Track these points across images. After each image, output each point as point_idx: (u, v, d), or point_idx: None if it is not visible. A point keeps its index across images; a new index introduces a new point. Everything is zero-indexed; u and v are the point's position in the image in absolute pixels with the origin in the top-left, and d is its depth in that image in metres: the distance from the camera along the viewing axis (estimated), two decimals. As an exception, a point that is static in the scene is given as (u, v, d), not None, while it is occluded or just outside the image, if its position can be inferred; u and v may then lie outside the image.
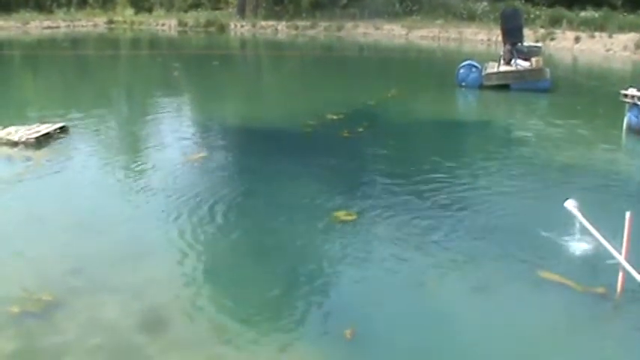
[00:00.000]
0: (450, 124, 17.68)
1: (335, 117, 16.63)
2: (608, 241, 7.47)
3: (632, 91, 16.02)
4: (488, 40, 39.96)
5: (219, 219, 9.27)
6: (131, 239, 8.63)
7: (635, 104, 15.67)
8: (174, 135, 15.17)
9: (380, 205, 9.98)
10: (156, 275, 7.56)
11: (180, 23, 52.90)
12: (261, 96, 23.23)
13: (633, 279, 7.10)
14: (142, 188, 10.71)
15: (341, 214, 9.44)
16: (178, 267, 7.81)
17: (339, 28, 50.02)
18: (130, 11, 55.58)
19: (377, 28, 49.20)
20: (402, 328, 6.59)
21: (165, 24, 53.21)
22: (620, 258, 7.21)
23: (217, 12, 56.17)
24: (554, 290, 7.35)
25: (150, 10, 56.94)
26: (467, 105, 21.78)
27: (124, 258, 8.01)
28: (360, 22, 50.88)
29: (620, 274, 7.21)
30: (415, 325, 6.66)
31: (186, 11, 56.18)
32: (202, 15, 54.32)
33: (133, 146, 14.39)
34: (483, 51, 33.91)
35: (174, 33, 50.59)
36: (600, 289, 7.30)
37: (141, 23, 53.40)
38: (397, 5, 52.49)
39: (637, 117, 15.57)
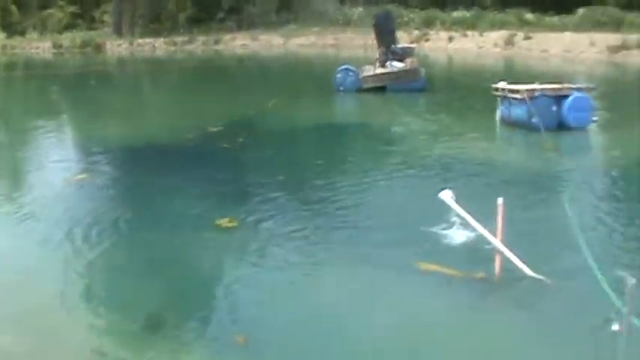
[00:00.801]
0: (329, 128, 17.88)
1: (215, 129, 16.60)
2: (485, 227, 7.71)
3: (502, 85, 16.57)
4: (365, 44, 40.53)
5: (103, 238, 9.06)
6: (13, 268, 8.33)
7: (506, 97, 16.20)
8: (53, 158, 14.87)
9: (262, 210, 10.00)
10: (41, 303, 7.34)
11: (55, 45, 51.92)
12: (141, 113, 22.95)
13: (510, 261, 7.35)
14: (21, 214, 10.35)
15: (224, 222, 9.39)
16: (65, 291, 7.56)
17: (217, 42, 50.10)
18: (1, 35, 54.18)
19: (255, 39, 49.43)
20: (293, 330, 6.57)
21: (39, 47, 52.09)
22: (497, 242, 7.45)
23: (93, 32, 55.58)
24: (436, 280, 7.47)
25: (22, 34, 55.70)
26: (346, 108, 22.10)
27: (6, 288, 7.76)
28: (237, 34, 51.00)
29: (498, 258, 7.42)
30: (305, 326, 6.66)
31: (60, 33, 55.24)
32: (78, 35, 53.62)
33: (8, 172, 14.00)
34: (361, 55, 34.37)
35: (49, 55, 49.51)
36: (480, 274, 7.46)
37: (14, 47, 52.11)
38: (274, 15, 52.78)
39: (508, 109, 16.11)
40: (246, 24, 52.17)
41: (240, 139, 15.41)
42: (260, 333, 6.49)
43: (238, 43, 49.24)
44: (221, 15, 53.82)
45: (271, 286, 7.57)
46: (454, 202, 8.15)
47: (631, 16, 39.34)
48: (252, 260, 8.25)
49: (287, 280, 7.73)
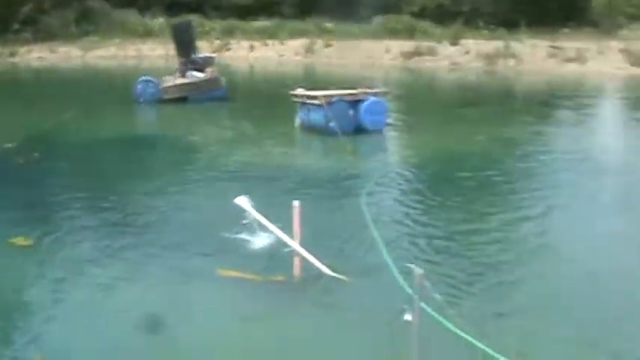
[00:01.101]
0: (129, 140, 17.58)
1: (10, 145, 15.86)
2: (282, 231, 7.83)
3: (300, 91, 16.89)
4: (167, 54, 40.14)
5: None
6: None
7: (305, 103, 16.53)
8: None
9: (58, 227, 9.70)
10: None
11: None
12: None
13: (309, 263, 7.49)
14: None
15: (18, 240, 9.02)
16: None
17: (13, 54, 48.01)
18: None
19: (52, 52, 47.82)
20: (91, 345, 6.41)
21: None
22: (294, 244, 7.58)
23: None
24: (236, 285, 7.50)
25: None
26: (146, 120, 21.87)
27: None
28: (34, 46, 49.13)
29: (297, 260, 7.57)
30: (102, 341, 6.49)
31: None
32: None
33: None
34: (162, 66, 33.95)
35: None
36: (280, 277, 7.58)
37: None
38: (73, 27, 51.26)
39: (307, 115, 16.44)
40: (43, 36, 50.37)
41: (36, 154, 14.81)
42: (58, 352, 6.31)
43: (35, 56, 47.46)
44: (16, 26, 51.60)
45: (68, 303, 7.37)
46: (251, 207, 8.23)
47: (424, 25, 41.28)
48: (47, 278, 7.98)
49: (84, 296, 7.50)
